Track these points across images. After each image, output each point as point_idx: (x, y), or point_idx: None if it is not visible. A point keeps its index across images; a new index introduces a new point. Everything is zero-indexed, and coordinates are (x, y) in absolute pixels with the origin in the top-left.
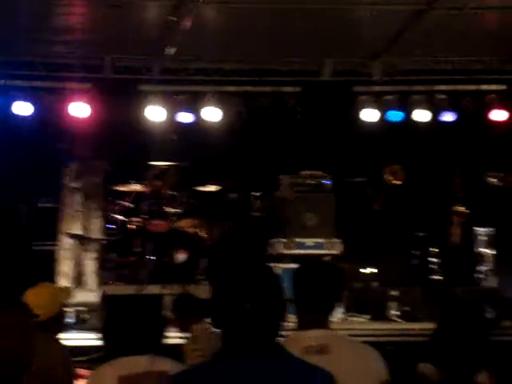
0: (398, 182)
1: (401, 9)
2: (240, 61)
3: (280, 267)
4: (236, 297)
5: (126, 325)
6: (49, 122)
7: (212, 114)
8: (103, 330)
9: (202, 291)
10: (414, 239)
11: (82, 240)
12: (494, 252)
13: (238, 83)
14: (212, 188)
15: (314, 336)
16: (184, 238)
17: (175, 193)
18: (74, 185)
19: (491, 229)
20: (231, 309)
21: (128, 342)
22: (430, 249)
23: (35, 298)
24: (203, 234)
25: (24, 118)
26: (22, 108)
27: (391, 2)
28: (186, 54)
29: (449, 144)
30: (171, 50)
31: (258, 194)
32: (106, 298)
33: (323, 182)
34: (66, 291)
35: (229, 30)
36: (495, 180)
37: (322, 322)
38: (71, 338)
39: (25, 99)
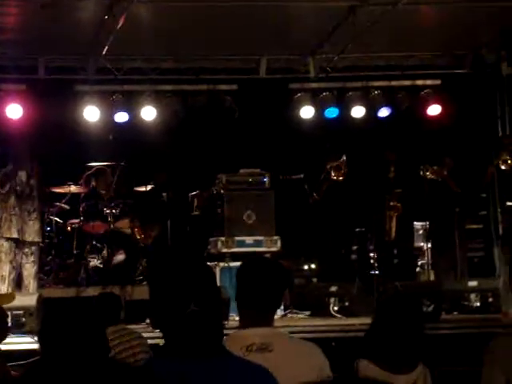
0: (341, 178)
1: (335, 5)
2: (176, 59)
3: (220, 266)
4: (179, 298)
5: (64, 328)
6: None
7: (148, 114)
8: (39, 333)
9: (141, 292)
10: (352, 235)
11: (19, 243)
12: (429, 245)
13: (175, 82)
14: (149, 187)
15: (256, 334)
16: (122, 238)
17: (112, 193)
18: (7, 187)
19: (427, 222)
20: (174, 310)
21: (65, 346)
22: (368, 244)
23: None
24: (141, 234)
25: None
26: None
27: None
28: (120, 52)
29: (385, 139)
30: (105, 50)
31: (195, 192)
32: (42, 301)
33: (262, 179)
34: (8, 296)
35: (164, 29)
36: (429, 173)
37: (265, 320)
38: (8, 342)
39: None
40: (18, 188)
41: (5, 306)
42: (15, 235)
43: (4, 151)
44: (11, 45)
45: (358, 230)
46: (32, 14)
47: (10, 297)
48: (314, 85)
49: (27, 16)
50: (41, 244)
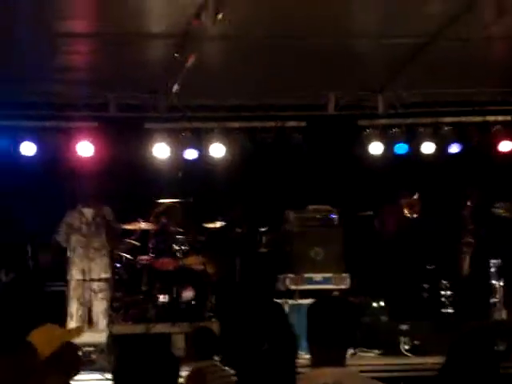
0: (415, 215)
1: (404, 42)
2: (244, 96)
3: (288, 303)
4: (252, 336)
5: (137, 365)
6: (55, 162)
7: (217, 150)
8: (113, 371)
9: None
10: (424, 272)
11: (89, 280)
12: (502, 283)
13: (243, 119)
14: (218, 224)
15: (328, 373)
16: (191, 275)
17: (181, 230)
18: (79, 224)
19: (499, 260)
20: (247, 348)
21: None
22: (441, 281)
23: (36, 337)
24: (210, 270)
25: (30, 158)
26: (28, 148)
27: (395, 35)
28: (190, 90)
29: (456, 175)
30: (175, 88)
31: (264, 229)
32: (113, 338)
33: (330, 216)
34: (76, 331)
35: (232, 66)
36: (502, 211)
37: (337, 359)
38: (80, 380)
39: (30, 139)
40: (83, 228)
41: (75, 342)
42: (78, 276)
43: (73, 189)
44: (83, 83)
45: (429, 267)
46: (104, 53)
47: (78, 331)
48: (383, 121)
49: (99, 54)
50: (110, 280)
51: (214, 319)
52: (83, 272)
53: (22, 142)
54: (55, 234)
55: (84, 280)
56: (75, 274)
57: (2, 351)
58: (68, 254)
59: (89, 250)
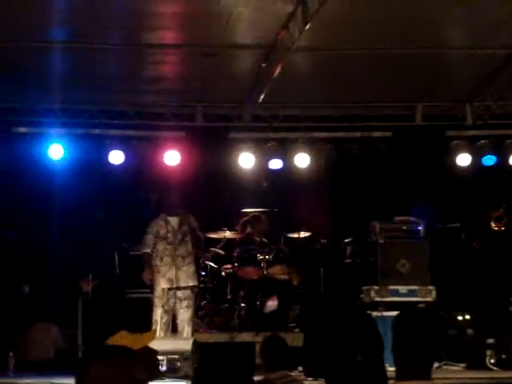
0: (503, 228)
1: (493, 52)
2: (330, 106)
3: (373, 315)
4: (342, 347)
5: (219, 373)
6: (142, 171)
7: (302, 160)
8: (195, 378)
9: (293, 339)
10: (510, 285)
11: (174, 288)
12: None
13: (328, 129)
14: (302, 234)
15: None
16: (275, 284)
17: (266, 239)
18: (166, 232)
19: None
20: (337, 360)
21: None
22: None
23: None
24: (294, 280)
25: (117, 166)
26: (116, 157)
27: (484, 46)
28: (276, 100)
29: None
30: (261, 98)
31: (349, 240)
32: (197, 346)
33: (417, 227)
34: (150, 335)
35: (318, 76)
36: None
37: (423, 373)
38: None
39: (118, 148)
40: (170, 237)
41: (160, 350)
42: (165, 284)
43: (159, 198)
44: (171, 93)
45: None
46: (192, 63)
47: (151, 335)
48: (472, 132)
49: (187, 65)
50: (195, 289)
51: (297, 329)
52: (170, 280)
53: (111, 150)
54: (142, 242)
55: (170, 288)
56: (162, 282)
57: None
58: (154, 261)
59: (176, 258)
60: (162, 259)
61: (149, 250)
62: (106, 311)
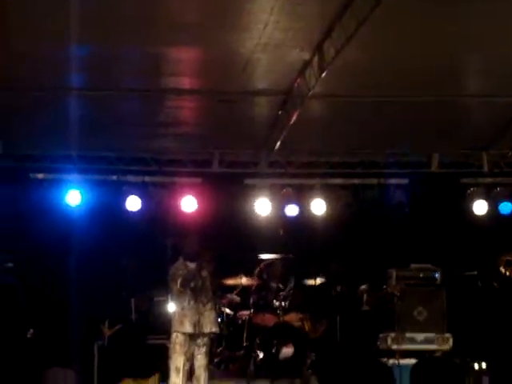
0: None
1: (509, 100)
2: (346, 153)
3: (389, 362)
4: None
5: None
6: (159, 217)
7: (318, 207)
8: None
9: None
10: None
11: (198, 334)
12: None
13: (345, 175)
14: (319, 281)
15: None
16: (291, 331)
17: (282, 286)
18: (187, 278)
19: None
20: None
21: None
22: None
23: None
24: (310, 327)
25: (135, 212)
26: (134, 203)
27: (499, 94)
28: (292, 146)
29: None
30: (278, 144)
31: (366, 287)
32: None
33: (433, 275)
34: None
35: (335, 123)
36: None
37: None
38: None
39: (135, 194)
40: (191, 282)
41: None
42: (190, 330)
43: (176, 244)
44: (188, 138)
45: None
46: (209, 109)
47: (154, 381)
48: (488, 180)
49: (204, 110)
50: (213, 335)
51: (313, 376)
52: (193, 326)
53: (128, 196)
54: (167, 288)
55: (193, 334)
56: (185, 328)
57: None
58: (176, 307)
59: (198, 304)
60: (182, 305)
61: (173, 295)
62: (119, 357)
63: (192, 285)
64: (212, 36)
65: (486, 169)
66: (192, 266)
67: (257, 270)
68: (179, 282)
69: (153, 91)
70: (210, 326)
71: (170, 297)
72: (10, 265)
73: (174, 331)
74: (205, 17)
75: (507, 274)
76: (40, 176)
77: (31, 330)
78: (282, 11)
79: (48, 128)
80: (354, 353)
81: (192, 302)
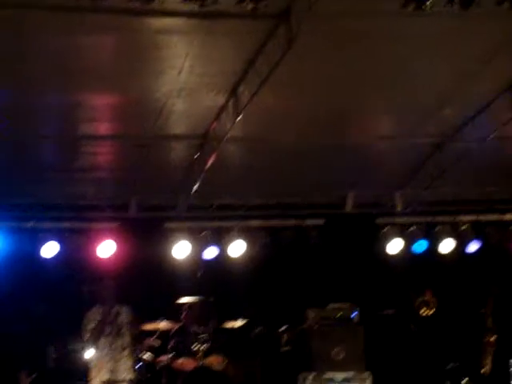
0: (430, 312)
1: (422, 141)
2: (263, 195)
3: None
4: None
5: None
6: (75, 263)
7: (237, 249)
8: None
9: None
10: (445, 370)
11: (114, 381)
12: None
13: (262, 217)
14: (238, 323)
15: None
16: (211, 375)
17: (201, 329)
18: (102, 324)
19: None
20: None
21: None
22: (462, 380)
23: None
24: (231, 371)
25: (51, 259)
26: (49, 249)
27: (412, 135)
28: (210, 189)
29: (475, 273)
30: (195, 187)
31: (284, 328)
32: None
33: (351, 314)
34: None
35: (252, 166)
36: None
37: None
38: None
39: (51, 240)
40: (107, 329)
41: None
42: (106, 376)
43: (95, 290)
44: (105, 183)
45: (450, 365)
46: (125, 154)
47: None
48: (402, 219)
49: (121, 155)
50: (132, 382)
51: None
52: (110, 372)
53: (44, 243)
54: (81, 335)
55: (109, 381)
56: (102, 375)
57: None
58: (93, 355)
59: (114, 351)
60: (100, 352)
61: (88, 342)
62: None
63: (107, 331)
64: (127, 82)
65: (399, 208)
66: (108, 312)
67: (176, 314)
68: (90, 330)
69: (69, 137)
70: (125, 373)
71: (85, 344)
72: None
73: (91, 378)
74: (119, 63)
75: (424, 314)
76: None
77: None
78: (197, 56)
79: None
80: None
81: (108, 349)
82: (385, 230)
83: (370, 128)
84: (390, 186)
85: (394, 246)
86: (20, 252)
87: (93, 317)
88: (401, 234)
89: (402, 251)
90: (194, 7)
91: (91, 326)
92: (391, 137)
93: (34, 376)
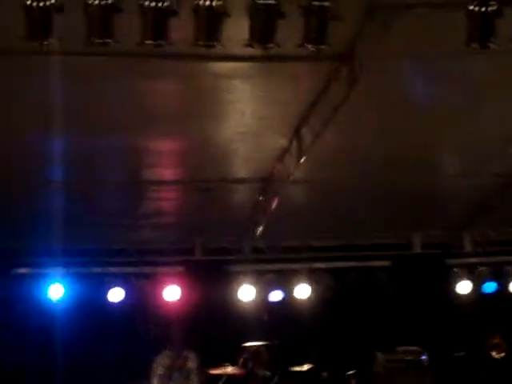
0: (502, 355)
1: (488, 181)
2: (328, 237)
3: None
4: None
5: None
6: (141, 307)
7: (303, 291)
8: None
9: None
10: None
11: None
12: None
13: (328, 259)
14: (305, 367)
15: None
16: None
17: (268, 373)
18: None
19: None
20: None
21: None
22: None
23: None
24: None
25: (117, 303)
26: (116, 295)
27: (477, 174)
28: (274, 232)
29: None
30: (260, 230)
31: (352, 372)
32: None
33: (420, 357)
34: None
35: (316, 207)
36: None
37: None
38: None
39: (118, 285)
40: (175, 374)
41: None
42: None
43: (160, 334)
44: (169, 228)
45: None
46: (189, 198)
47: None
48: (471, 259)
49: (185, 200)
50: None
51: None
52: None
53: (111, 288)
54: (150, 380)
55: None
56: None
57: None
58: None
59: None
60: None
61: None
62: None
63: (176, 377)
64: (191, 126)
65: (467, 249)
66: (175, 357)
67: (242, 359)
68: (158, 375)
69: (134, 183)
70: None
71: None
72: None
73: None
74: (183, 107)
75: (496, 357)
76: (22, 271)
77: None
78: (259, 99)
79: (29, 221)
80: None
81: None
82: (453, 270)
83: (435, 167)
84: (457, 225)
85: (464, 287)
86: (87, 297)
87: (162, 362)
88: (470, 275)
89: (471, 292)
90: (257, 51)
91: (160, 371)
92: (456, 176)
93: None
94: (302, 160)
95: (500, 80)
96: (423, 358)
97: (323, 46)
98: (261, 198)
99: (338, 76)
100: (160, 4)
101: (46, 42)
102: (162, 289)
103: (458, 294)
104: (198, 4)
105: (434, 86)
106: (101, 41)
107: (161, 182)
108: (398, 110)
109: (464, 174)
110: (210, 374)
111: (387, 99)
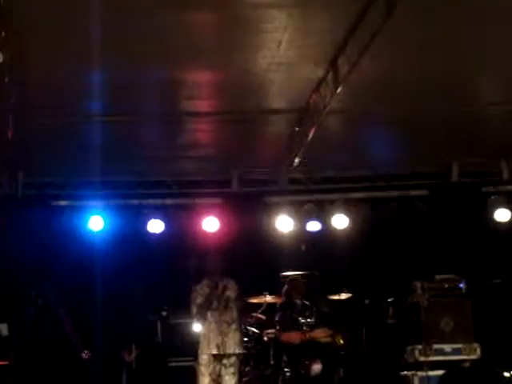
0: None
1: None
2: (365, 167)
3: (418, 375)
4: None
5: None
6: (181, 238)
7: (340, 222)
8: None
9: None
10: None
11: (223, 355)
12: None
13: (365, 189)
14: (344, 296)
15: None
16: (319, 348)
17: (307, 302)
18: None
19: None
20: None
21: None
22: None
23: None
24: (338, 343)
25: (157, 235)
26: (155, 226)
27: None
28: (311, 162)
29: None
30: (297, 161)
31: (391, 300)
32: None
33: (459, 285)
34: None
35: (353, 138)
36: None
37: None
38: None
39: (157, 217)
40: (214, 303)
41: None
42: (215, 351)
43: (199, 264)
44: (207, 160)
45: None
46: (226, 130)
47: None
48: (509, 187)
49: (221, 131)
50: (241, 356)
51: None
52: (217, 347)
53: (149, 220)
54: (189, 310)
55: (217, 355)
56: (210, 349)
57: None
58: (200, 329)
59: (222, 325)
60: (209, 326)
61: (197, 317)
62: (148, 381)
63: (215, 305)
64: (227, 57)
65: (505, 176)
66: (215, 286)
67: (281, 288)
68: (198, 304)
69: (171, 115)
70: (234, 347)
71: (193, 318)
72: (34, 293)
73: (200, 353)
74: (219, 39)
75: None
76: (62, 203)
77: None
78: (296, 29)
79: (68, 155)
80: (382, 367)
81: (215, 323)
82: (491, 198)
83: (475, 95)
84: (495, 154)
85: (502, 215)
86: (127, 229)
87: (201, 291)
88: (508, 202)
89: (509, 220)
90: None
91: (199, 300)
92: (496, 103)
93: (138, 351)
94: (339, 90)
95: None
96: (461, 285)
97: None
98: (297, 129)
99: (375, 2)
100: None
101: None
102: (201, 220)
103: (496, 222)
104: None
105: (474, 10)
106: None
107: (197, 114)
108: (436, 35)
109: (504, 101)
110: (249, 303)
111: (426, 24)
